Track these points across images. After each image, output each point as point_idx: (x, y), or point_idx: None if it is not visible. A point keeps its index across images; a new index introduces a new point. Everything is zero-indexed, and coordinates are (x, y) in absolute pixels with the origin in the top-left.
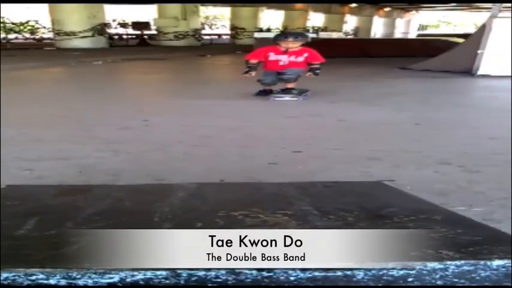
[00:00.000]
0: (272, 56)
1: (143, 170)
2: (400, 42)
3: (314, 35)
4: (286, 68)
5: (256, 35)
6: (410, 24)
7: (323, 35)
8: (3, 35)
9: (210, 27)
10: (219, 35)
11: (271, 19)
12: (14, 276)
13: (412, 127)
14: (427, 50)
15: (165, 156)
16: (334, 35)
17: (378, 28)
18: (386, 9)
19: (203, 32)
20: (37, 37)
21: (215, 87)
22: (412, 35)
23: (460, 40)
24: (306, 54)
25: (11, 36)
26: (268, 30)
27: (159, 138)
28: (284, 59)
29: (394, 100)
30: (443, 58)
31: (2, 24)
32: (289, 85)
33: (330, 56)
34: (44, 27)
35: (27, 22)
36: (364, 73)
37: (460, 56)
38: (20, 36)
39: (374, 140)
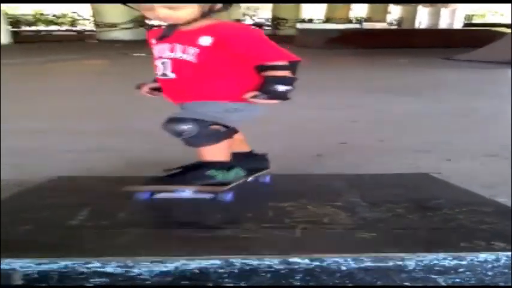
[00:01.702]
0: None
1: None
2: (444, 32)
3: (358, 26)
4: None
5: (299, 25)
6: (455, 14)
7: (366, 25)
8: (43, 27)
9: (251, 18)
10: (260, 26)
11: (314, 9)
12: (73, 264)
13: (456, 118)
14: (471, 40)
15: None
16: (378, 25)
17: (422, 18)
18: None
19: (244, 23)
20: (77, 29)
21: None
22: (457, 25)
23: (507, 30)
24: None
25: (53, 28)
26: (310, 20)
27: None
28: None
29: (438, 91)
30: (488, 49)
31: (42, 17)
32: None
33: (373, 47)
34: (85, 19)
35: (67, 14)
36: (406, 64)
37: (505, 46)
38: (61, 28)
39: (418, 132)
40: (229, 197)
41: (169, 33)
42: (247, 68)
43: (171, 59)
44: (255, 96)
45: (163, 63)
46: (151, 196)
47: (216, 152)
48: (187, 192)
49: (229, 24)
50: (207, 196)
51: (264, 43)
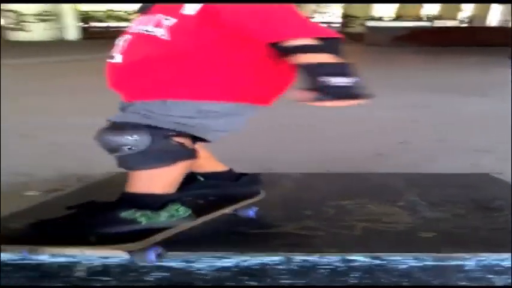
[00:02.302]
0: None
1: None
2: None
3: (428, 24)
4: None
5: (369, 23)
6: None
7: (437, 23)
8: (114, 23)
9: (322, 15)
10: (329, 23)
11: (385, 7)
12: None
13: None
14: None
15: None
16: (449, 23)
17: (494, 15)
18: None
19: (313, 20)
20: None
21: None
22: None
23: None
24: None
25: (123, 24)
26: (380, 18)
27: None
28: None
29: (505, 91)
30: None
31: (109, 13)
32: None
33: (442, 45)
34: None
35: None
36: (475, 62)
37: None
38: (131, 24)
39: (481, 132)
40: (152, 257)
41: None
42: (248, 51)
43: (135, 34)
44: (317, 99)
45: (125, 40)
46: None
47: (156, 179)
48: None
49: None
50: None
51: (278, 11)
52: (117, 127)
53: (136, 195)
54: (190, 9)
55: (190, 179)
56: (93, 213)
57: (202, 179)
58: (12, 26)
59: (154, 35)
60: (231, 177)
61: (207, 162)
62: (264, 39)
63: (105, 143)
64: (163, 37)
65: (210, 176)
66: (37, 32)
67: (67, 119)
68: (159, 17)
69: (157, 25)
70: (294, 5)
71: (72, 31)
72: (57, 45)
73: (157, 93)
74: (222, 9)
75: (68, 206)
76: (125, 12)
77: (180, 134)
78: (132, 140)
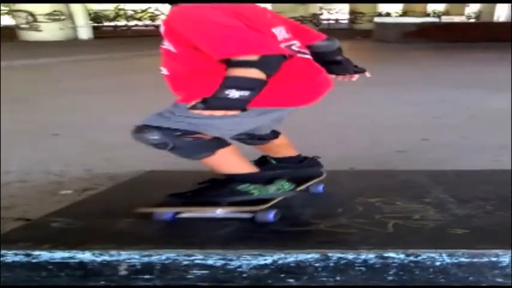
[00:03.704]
0: None
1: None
2: None
3: (436, 19)
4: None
5: (377, 19)
6: None
7: (445, 19)
8: (124, 23)
9: (328, 12)
10: (337, 20)
11: (392, 3)
12: (175, 256)
13: None
14: None
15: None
16: (456, 18)
17: (501, 11)
18: None
19: (321, 17)
20: (157, 24)
21: None
22: None
23: None
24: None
25: (132, 23)
26: (388, 14)
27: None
28: None
29: None
30: None
31: (122, 11)
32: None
33: (450, 41)
34: (163, 14)
35: (146, 10)
36: (488, 58)
37: None
38: (140, 23)
39: (502, 128)
40: (271, 216)
41: None
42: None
43: (162, 49)
44: (193, 107)
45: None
46: (174, 216)
47: (226, 164)
48: (219, 212)
49: (182, 6)
50: (245, 215)
51: (218, 29)
52: (140, 128)
53: (242, 174)
54: (161, 29)
55: (263, 162)
56: (216, 186)
57: (274, 162)
58: (24, 26)
59: (169, 49)
60: (302, 160)
61: (282, 148)
62: (213, 56)
63: (139, 141)
64: (173, 50)
65: (282, 160)
66: (49, 31)
67: (96, 118)
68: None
69: (167, 40)
70: (242, 25)
71: (84, 30)
72: (70, 45)
73: (179, 97)
74: (180, 29)
75: (198, 182)
76: (134, 11)
77: (194, 132)
78: (151, 139)
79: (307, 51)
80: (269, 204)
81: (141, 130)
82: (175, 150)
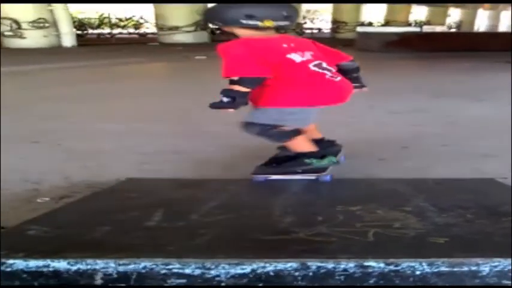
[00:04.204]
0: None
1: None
2: (506, 35)
3: (417, 29)
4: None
5: (359, 29)
6: None
7: (426, 28)
8: (108, 30)
9: (312, 21)
10: (320, 29)
11: (374, 13)
12: (152, 265)
13: None
14: None
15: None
16: (438, 28)
17: (481, 21)
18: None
19: (304, 26)
20: (141, 32)
21: None
22: None
23: None
24: None
25: (116, 31)
26: (370, 24)
27: None
28: None
29: (502, 95)
30: None
31: (106, 19)
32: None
33: (432, 50)
34: (147, 22)
35: (131, 18)
36: (468, 67)
37: None
38: (124, 31)
39: (482, 137)
40: (328, 178)
41: None
42: (281, 79)
43: None
44: (210, 106)
45: None
46: (266, 179)
47: (299, 145)
48: (295, 175)
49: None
50: (312, 177)
51: (226, 58)
52: (243, 124)
53: (306, 152)
54: None
55: (316, 142)
56: (290, 160)
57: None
58: (9, 33)
59: None
60: (326, 141)
61: (315, 132)
62: (223, 75)
63: (245, 132)
64: None
65: (320, 141)
66: (33, 39)
67: (77, 125)
68: None
69: None
70: (246, 56)
71: (68, 38)
72: (54, 52)
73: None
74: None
75: (277, 155)
76: (119, 19)
77: (275, 126)
78: (252, 131)
79: (333, 68)
80: (326, 172)
81: (246, 125)
82: (268, 138)
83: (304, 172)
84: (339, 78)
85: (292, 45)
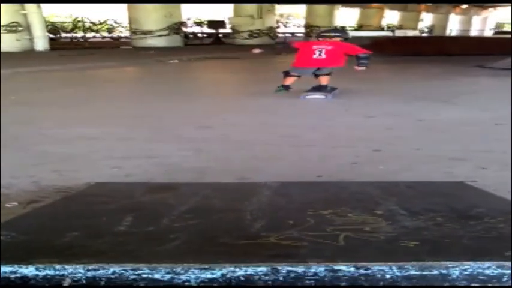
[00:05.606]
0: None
1: (226, 168)
2: (475, 39)
3: (390, 33)
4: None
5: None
6: (487, 22)
7: (398, 33)
8: (81, 34)
9: (285, 26)
10: (293, 34)
11: (346, 17)
12: (121, 270)
13: (493, 127)
14: (505, 48)
15: (246, 155)
16: (410, 33)
17: (453, 26)
18: (463, 6)
19: (277, 30)
20: (114, 36)
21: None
22: (489, 32)
23: None
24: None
25: (89, 35)
26: (343, 28)
27: (238, 137)
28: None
29: (473, 99)
30: None
31: (80, 23)
32: (323, 82)
33: (404, 54)
34: (121, 26)
35: (105, 21)
36: (440, 72)
37: None
38: (97, 35)
39: (454, 140)
40: (330, 97)
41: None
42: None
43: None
44: (361, 63)
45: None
46: (304, 97)
47: (323, 81)
48: (318, 95)
49: (349, 44)
50: (326, 96)
51: (356, 47)
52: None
53: (327, 85)
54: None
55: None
56: (319, 88)
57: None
58: None
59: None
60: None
61: (324, 80)
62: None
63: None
64: None
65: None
66: (5, 42)
67: (47, 130)
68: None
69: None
70: (299, 45)
71: (41, 42)
72: (26, 56)
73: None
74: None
75: (313, 87)
76: (92, 23)
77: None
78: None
79: (324, 53)
80: (332, 93)
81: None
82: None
83: (326, 92)
84: (321, 57)
85: (313, 47)
